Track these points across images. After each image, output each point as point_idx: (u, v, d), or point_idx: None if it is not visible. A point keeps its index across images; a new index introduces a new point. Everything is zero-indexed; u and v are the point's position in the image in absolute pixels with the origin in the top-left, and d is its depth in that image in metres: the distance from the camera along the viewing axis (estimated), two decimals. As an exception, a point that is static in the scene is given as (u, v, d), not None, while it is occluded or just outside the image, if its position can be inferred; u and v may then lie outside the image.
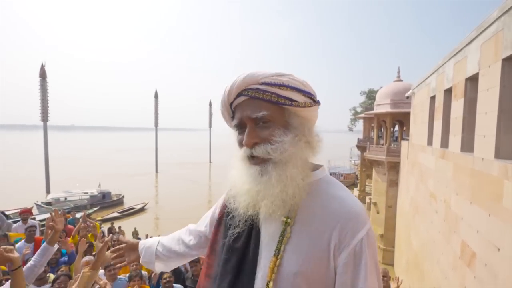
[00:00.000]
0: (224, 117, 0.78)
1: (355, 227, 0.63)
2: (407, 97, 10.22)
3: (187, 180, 31.84)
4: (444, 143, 5.48)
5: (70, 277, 2.64)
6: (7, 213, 6.67)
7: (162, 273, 3.29)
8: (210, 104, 47.83)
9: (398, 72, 14.72)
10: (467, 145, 4.36)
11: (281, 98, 0.67)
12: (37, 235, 4.19)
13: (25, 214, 4.52)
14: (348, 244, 0.62)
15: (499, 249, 3.14)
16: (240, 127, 0.71)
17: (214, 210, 0.93)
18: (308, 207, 0.67)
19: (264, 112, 0.66)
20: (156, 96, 37.85)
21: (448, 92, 5.42)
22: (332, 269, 0.63)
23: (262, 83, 0.67)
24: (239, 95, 0.70)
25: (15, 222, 5.02)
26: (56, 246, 2.07)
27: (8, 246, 1.67)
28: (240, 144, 0.71)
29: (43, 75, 24.00)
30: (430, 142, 6.70)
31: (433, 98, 6.61)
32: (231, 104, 0.73)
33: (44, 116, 24.45)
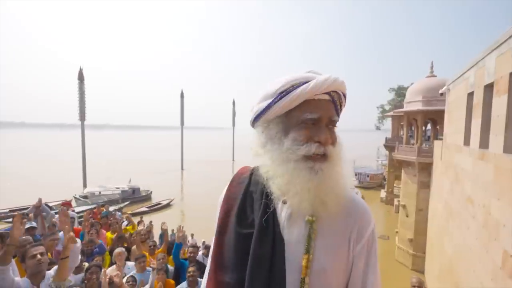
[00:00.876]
0: (291, 100, 0.69)
1: (367, 221, 0.72)
2: (441, 94, 9.57)
3: (210, 178, 32.61)
4: (484, 144, 5.05)
5: (100, 267, 2.83)
6: (50, 204, 7.29)
7: (187, 266, 3.40)
8: (234, 103, 48.39)
9: (432, 67, 13.80)
10: (511, 145, 3.98)
11: (340, 112, 0.77)
12: (75, 226, 4.56)
13: (66, 206, 4.93)
14: (363, 236, 0.71)
15: (548, 261, 2.83)
16: (310, 122, 0.69)
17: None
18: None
19: (337, 119, 0.74)
20: (182, 96, 39.13)
21: (489, 87, 4.98)
22: (350, 261, 0.71)
23: (344, 94, 0.76)
24: (327, 92, 0.71)
25: (57, 213, 5.49)
26: (78, 245, 2.25)
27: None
28: (308, 138, 0.68)
29: (81, 77, 25.91)
30: (467, 142, 6.21)
31: (471, 95, 6.12)
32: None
33: (82, 116, 26.38)
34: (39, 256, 2.07)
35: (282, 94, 0.70)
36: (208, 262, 0.84)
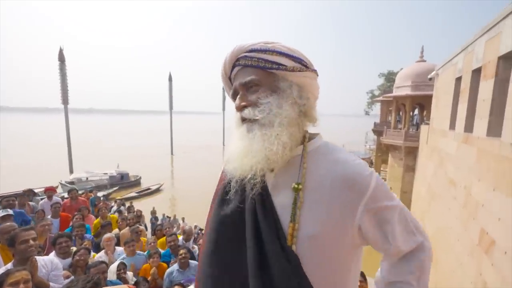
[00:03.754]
0: (226, 91, 0.84)
1: (363, 184, 0.65)
2: (430, 79, 9.68)
3: (201, 163, 32.52)
4: (468, 128, 5.19)
5: (89, 251, 2.80)
6: (36, 190, 7.07)
7: (178, 249, 3.42)
8: (224, 88, 47.51)
9: (422, 52, 13.85)
10: (494, 129, 4.09)
11: (268, 62, 0.71)
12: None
13: (50, 191, 4.78)
14: (360, 202, 0.64)
15: (521, 238, 3.01)
16: (235, 95, 0.76)
17: None
18: (315, 173, 0.69)
19: (252, 77, 0.71)
20: (170, 79, 38.00)
21: (477, 72, 5.04)
22: (347, 230, 0.65)
23: (250, 51, 0.72)
24: (233, 66, 0.76)
25: (42, 199, 5.34)
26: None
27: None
28: (235, 109, 0.76)
29: (61, 58, 24.53)
30: (452, 126, 6.37)
31: (458, 80, 6.20)
32: (230, 78, 0.80)
33: (65, 99, 25.25)
34: (31, 241, 2.01)
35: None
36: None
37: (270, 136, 0.66)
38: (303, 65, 0.73)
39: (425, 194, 8.82)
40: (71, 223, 4.08)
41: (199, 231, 9.29)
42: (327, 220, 0.65)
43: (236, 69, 0.76)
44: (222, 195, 0.78)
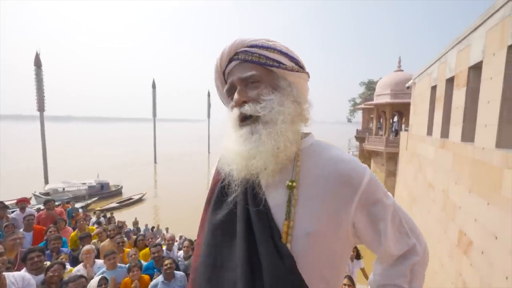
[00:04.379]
0: (217, 86, 0.80)
1: (357, 179, 0.65)
2: (408, 87, 10.15)
3: (185, 171, 31.89)
4: (444, 133, 5.47)
5: (64, 266, 2.62)
6: (6, 203, 6.62)
7: (162, 261, 3.29)
8: (209, 95, 47.38)
9: (399, 62, 14.58)
10: (468, 134, 4.34)
11: (269, 60, 0.71)
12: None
13: (23, 203, 4.48)
14: (354, 197, 0.65)
15: (496, 237, 3.16)
16: (232, 91, 0.73)
17: None
18: (308, 171, 0.68)
19: (253, 72, 0.69)
20: (153, 86, 37.39)
21: (450, 81, 5.36)
22: (344, 224, 0.65)
23: (251, 46, 0.72)
24: (230, 60, 0.74)
25: (13, 211, 4.99)
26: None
27: None
28: (232, 106, 0.72)
29: (38, 63, 23.48)
30: (430, 132, 6.68)
31: (434, 88, 6.55)
32: (224, 73, 0.77)
33: (40, 106, 24.09)
34: None
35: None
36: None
37: (276, 134, 0.66)
38: (299, 66, 0.75)
39: (406, 198, 9.11)
40: (45, 237, 3.83)
41: (184, 240, 9.01)
42: (322, 216, 0.64)
43: (233, 63, 0.73)
44: (218, 196, 0.76)
